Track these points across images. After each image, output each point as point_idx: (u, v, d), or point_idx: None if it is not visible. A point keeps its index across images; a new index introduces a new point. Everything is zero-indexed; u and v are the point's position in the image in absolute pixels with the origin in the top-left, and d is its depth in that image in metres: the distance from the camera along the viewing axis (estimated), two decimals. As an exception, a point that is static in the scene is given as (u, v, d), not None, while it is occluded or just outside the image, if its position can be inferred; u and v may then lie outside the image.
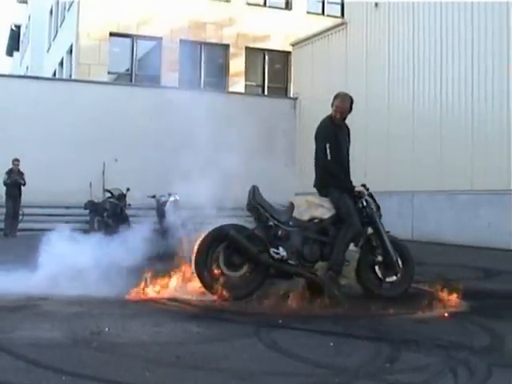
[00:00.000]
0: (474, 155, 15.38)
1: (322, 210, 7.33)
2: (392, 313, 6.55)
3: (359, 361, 4.72)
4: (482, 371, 4.44)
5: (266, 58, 27.03)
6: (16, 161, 17.52)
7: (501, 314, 6.48)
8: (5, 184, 17.48)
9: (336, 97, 7.64)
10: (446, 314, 6.44)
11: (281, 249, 7.10)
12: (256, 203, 7.36)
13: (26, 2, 43.16)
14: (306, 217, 7.31)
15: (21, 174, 17.56)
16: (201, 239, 7.35)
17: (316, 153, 7.73)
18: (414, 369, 4.53)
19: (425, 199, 16.16)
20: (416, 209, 16.45)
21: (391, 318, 6.34)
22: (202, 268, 7.18)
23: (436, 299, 6.91)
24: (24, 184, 17.53)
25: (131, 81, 24.61)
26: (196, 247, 7.32)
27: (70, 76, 25.41)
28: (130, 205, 18.64)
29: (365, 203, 7.44)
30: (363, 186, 7.55)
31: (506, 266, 11.17)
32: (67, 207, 18.92)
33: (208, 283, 7.11)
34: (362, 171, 18.40)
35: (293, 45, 23.85)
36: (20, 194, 17.60)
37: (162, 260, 9.04)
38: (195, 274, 7.29)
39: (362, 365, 4.62)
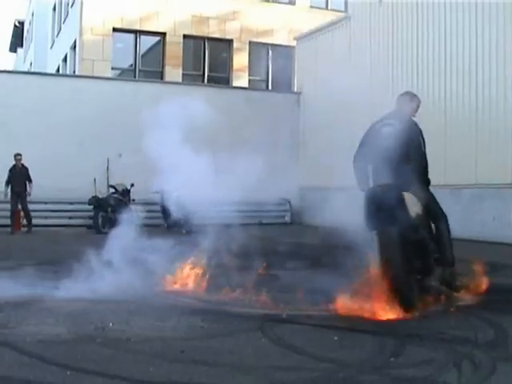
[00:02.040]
0: (479, 149, 15.35)
1: (418, 206, 6.89)
2: (396, 307, 6.54)
3: (363, 355, 4.72)
4: (486, 366, 4.44)
5: (270, 52, 27.00)
6: (18, 155, 17.47)
7: (506, 308, 6.47)
8: (7, 184, 17.43)
9: (416, 96, 7.52)
10: (451, 309, 6.43)
11: None
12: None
13: (29, -2, 43.20)
14: (413, 214, 6.81)
15: (25, 169, 17.49)
16: (388, 242, 6.38)
17: (412, 149, 6.99)
18: (419, 363, 4.52)
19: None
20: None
21: (395, 313, 6.33)
22: (407, 278, 6.29)
23: (440, 293, 6.90)
24: (30, 181, 17.47)
25: (135, 76, 24.61)
26: (389, 252, 6.34)
27: (74, 72, 25.42)
28: (134, 200, 18.66)
29: None
30: None
31: (511, 261, 11.15)
32: (71, 203, 18.95)
33: (414, 297, 6.25)
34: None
35: (296, 39, 23.83)
36: (25, 190, 17.51)
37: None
38: (394, 288, 6.19)
39: (366, 359, 4.63)
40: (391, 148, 6.82)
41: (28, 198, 17.60)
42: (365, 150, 7.27)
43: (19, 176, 17.40)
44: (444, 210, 7.22)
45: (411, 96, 7.49)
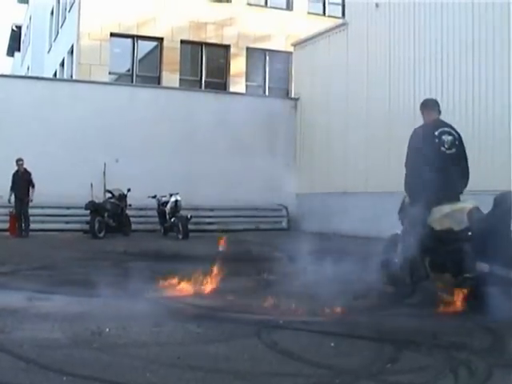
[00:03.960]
0: (475, 155, 15.35)
1: None
2: (393, 313, 6.55)
3: (360, 361, 4.72)
4: (482, 372, 4.44)
5: (267, 58, 27.01)
6: (19, 160, 17.46)
7: (502, 314, 6.47)
8: (11, 189, 17.45)
9: None
10: (448, 314, 6.43)
11: None
12: None
13: (26, 3, 43.15)
14: None
15: (28, 173, 17.46)
16: None
17: (458, 153, 7.59)
18: (415, 369, 4.53)
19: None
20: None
21: (392, 318, 6.33)
22: None
23: (437, 299, 6.91)
24: (33, 186, 17.48)
25: (132, 81, 24.60)
26: None
27: (71, 76, 25.41)
28: (130, 205, 18.65)
29: None
30: None
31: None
32: (68, 207, 18.92)
33: None
34: (364, 171, 18.41)
35: (294, 45, 23.85)
36: (27, 195, 17.49)
37: None
38: None
39: (362, 365, 4.63)
40: (457, 155, 7.48)
41: (30, 204, 17.60)
42: (426, 157, 7.36)
43: (21, 181, 17.41)
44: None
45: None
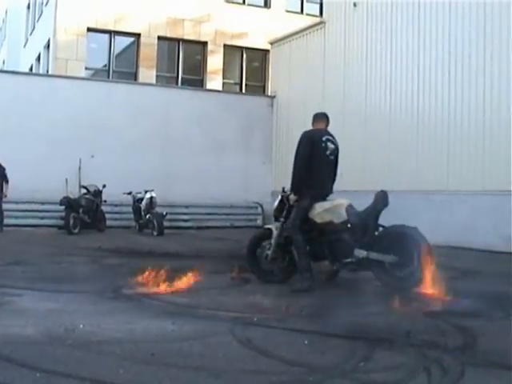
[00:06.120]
0: (450, 156, 15.48)
1: None
2: (367, 311, 6.58)
3: (333, 359, 4.74)
4: (455, 370, 4.48)
5: (244, 55, 27.00)
6: None
7: (475, 313, 6.53)
8: None
9: None
10: (421, 313, 6.47)
11: None
12: None
13: (2, -4, 42.79)
14: None
15: (1, 168, 17.22)
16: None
17: (335, 160, 8.67)
18: (388, 368, 4.55)
19: (401, 198, 16.15)
20: (392, 208, 16.43)
21: (366, 317, 6.36)
22: None
23: (411, 298, 6.95)
24: (7, 181, 17.24)
25: (108, 77, 24.48)
26: None
27: (47, 71, 25.23)
28: (105, 201, 18.56)
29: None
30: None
31: (481, 266, 11.25)
32: (42, 203, 18.78)
33: None
34: (339, 169, 18.46)
35: (271, 43, 23.86)
36: (0, 190, 17.25)
37: None
38: None
39: (336, 363, 4.64)
40: (334, 162, 8.64)
41: (4, 199, 17.39)
42: (313, 158, 8.39)
43: None
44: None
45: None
